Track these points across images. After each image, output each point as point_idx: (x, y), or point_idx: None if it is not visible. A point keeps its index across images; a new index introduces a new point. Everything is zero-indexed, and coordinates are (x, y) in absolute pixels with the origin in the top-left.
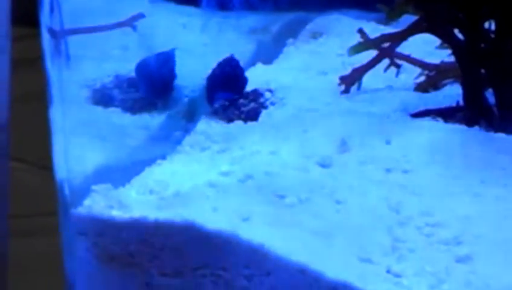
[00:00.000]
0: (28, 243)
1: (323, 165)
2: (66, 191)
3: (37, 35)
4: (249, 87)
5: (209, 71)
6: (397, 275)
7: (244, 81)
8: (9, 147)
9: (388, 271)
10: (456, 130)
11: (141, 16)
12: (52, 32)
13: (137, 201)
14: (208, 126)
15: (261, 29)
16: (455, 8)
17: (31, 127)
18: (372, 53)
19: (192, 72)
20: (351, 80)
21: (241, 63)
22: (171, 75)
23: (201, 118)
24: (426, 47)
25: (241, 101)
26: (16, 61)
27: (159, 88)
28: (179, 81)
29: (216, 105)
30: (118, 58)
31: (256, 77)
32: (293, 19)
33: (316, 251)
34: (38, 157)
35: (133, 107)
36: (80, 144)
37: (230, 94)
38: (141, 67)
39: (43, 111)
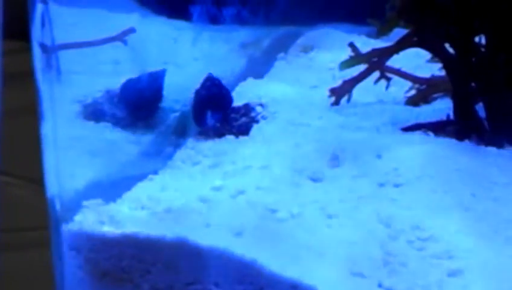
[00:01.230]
0: (19, 258)
1: (315, 180)
2: (58, 206)
3: (28, 50)
4: (240, 102)
5: (193, 93)
6: (389, 289)
7: (229, 99)
8: (1, 161)
9: (380, 285)
10: (446, 144)
11: (132, 30)
12: (44, 47)
13: (129, 217)
14: (199, 141)
15: (252, 44)
16: (446, 23)
17: (22, 142)
18: (363, 66)
19: (184, 86)
20: (341, 92)
21: (232, 78)
22: (157, 96)
23: (190, 139)
24: (417, 61)
25: (233, 115)
26: (6, 75)
27: (142, 110)
28: (170, 95)
29: (204, 126)
30: (109, 73)
31: (248, 91)
32: (284, 33)
33: (308, 265)
34: (29, 172)
35: (124, 123)
36: (71, 159)
37: (217, 115)
38: (126, 88)
39: (33, 125)
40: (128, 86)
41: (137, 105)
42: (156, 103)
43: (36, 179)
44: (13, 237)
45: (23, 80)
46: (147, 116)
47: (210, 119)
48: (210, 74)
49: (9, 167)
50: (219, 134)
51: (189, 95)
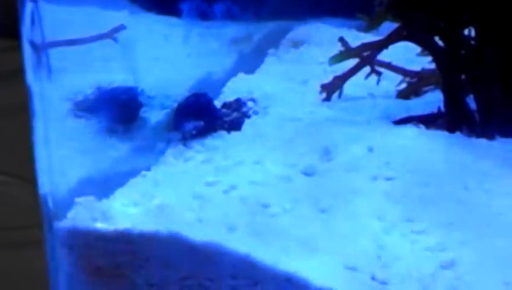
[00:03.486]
0: (12, 256)
1: (307, 174)
2: (50, 203)
3: (18, 48)
4: (231, 97)
5: (182, 99)
6: (383, 282)
7: (214, 113)
8: None
9: (373, 278)
10: (438, 137)
11: (122, 27)
12: (34, 45)
13: (122, 213)
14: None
15: (243, 39)
16: (435, 16)
17: (13, 140)
18: (353, 61)
19: (174, 82)
20: (332, 88)
21: (223, 73)
22: (136, 105)
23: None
24: (407, 54)
25: (224, 110)
26: None
27: (122, 118)
28: (160, 92)
29: (184, 133)
30: (99, 70)
31: (239, 86)
32: (274, 29)
33: (302, 259)
34: (21, 170)
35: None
36: (63, 156)
37: (196, 124)
38: (103, 96)
39: (25, 124)
40: (105, 95)
41: (118, 113)
42: (136, 111)
43: (28, 177)
44: (5, 235)
45: (13, 78)
46: (126, 124)
47: (187, 125)
48: (206, 92)
49: (1, 166)
50: (190, 139)
51: (180, 91)
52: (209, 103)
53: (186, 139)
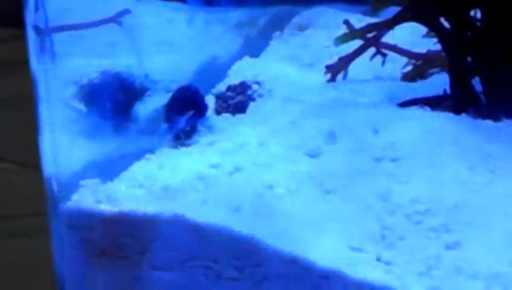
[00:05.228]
0: (17, 244)
1: (312, 156)
2: (55, 186)
3: (22, 37)
4: (236, 80)
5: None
6: (387, 263)
7: (204, 107)
8: None
9: (378, 259)
10: (443, 118)
11: (127, 11)
12: (38, 30)
13: (126, 195)
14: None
15: (248, 23)
16: None
17: (18, 128)
18: (359, 43)
19: (180, 66)
20: (336, 69)
21: (228, 57)
22: (135, 92)
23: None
24: (413, 37)
25: (229, 93)
26: (0, 63)
27: (122, 104)
28: (165, 76)
29: (175, 130)
30: (104, 55)
31: (244, 70)
32: (279, 12)
33: (306, 240)
34: (26, 157)
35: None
36: (68, 139)
37: (188, 119)
38: (103, 83)
39: (30, 111)
40: (103, 82)
41: (116, 100)
42: (135, 97)
43: (33, 164)
44: (10, 223)
45: (18, 67)
46: (127, 110)
47: (182, 122)
48: (189, 83)
49: (5, 153)
50: (188, 136)
51: (185, 75)
52: (195, 94)
53: (179, 138)
